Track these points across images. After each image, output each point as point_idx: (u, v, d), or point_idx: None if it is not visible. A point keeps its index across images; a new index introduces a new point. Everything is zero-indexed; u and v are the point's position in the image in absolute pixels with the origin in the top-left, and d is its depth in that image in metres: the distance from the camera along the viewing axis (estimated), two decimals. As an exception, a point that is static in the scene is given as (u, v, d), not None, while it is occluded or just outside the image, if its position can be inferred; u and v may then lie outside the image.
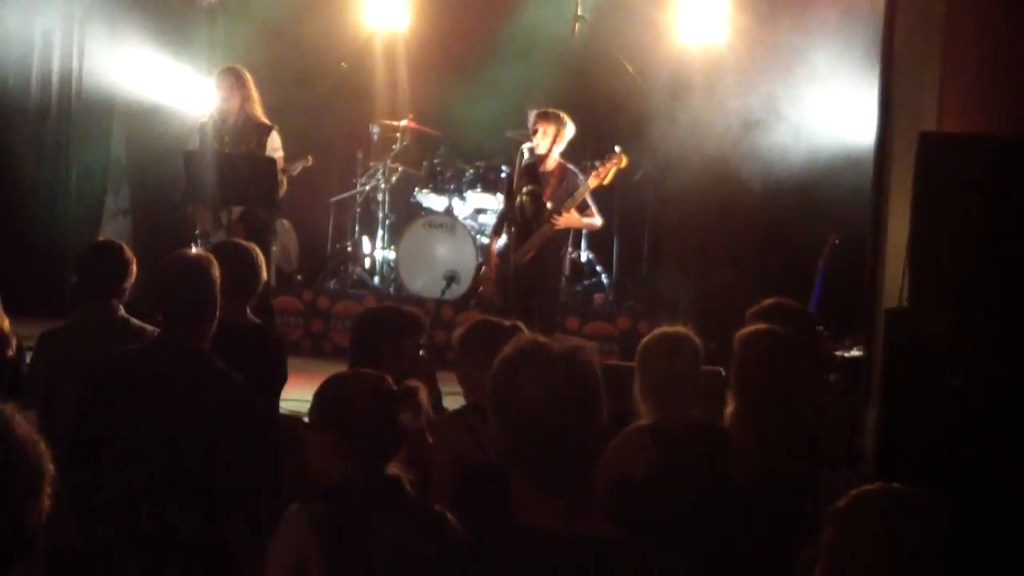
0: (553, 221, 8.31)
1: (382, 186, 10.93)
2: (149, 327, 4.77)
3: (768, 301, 5.29)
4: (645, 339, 4.66)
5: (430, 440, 4.56)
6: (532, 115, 8.90)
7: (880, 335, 6.36)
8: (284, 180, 8.34)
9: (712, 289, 9.69)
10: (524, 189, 8.39)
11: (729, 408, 4.76)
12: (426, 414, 4.58)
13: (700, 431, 4.51)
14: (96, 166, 10.84)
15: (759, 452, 4.57)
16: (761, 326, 4.93)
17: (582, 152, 9.87)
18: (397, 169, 11.03)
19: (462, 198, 10.76)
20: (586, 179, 8.49)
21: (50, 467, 1.99)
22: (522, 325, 4.66)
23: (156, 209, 10.60)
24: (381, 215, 10.93)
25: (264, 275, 5.30)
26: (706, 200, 10.37)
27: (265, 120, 8.38)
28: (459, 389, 4.74)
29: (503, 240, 8.75)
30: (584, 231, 9.71)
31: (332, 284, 10.91)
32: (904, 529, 2.63)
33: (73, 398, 4.35)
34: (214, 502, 3.95)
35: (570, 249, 9.08)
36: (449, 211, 10.69)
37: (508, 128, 10.74)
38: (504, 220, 8.79)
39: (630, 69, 10.60)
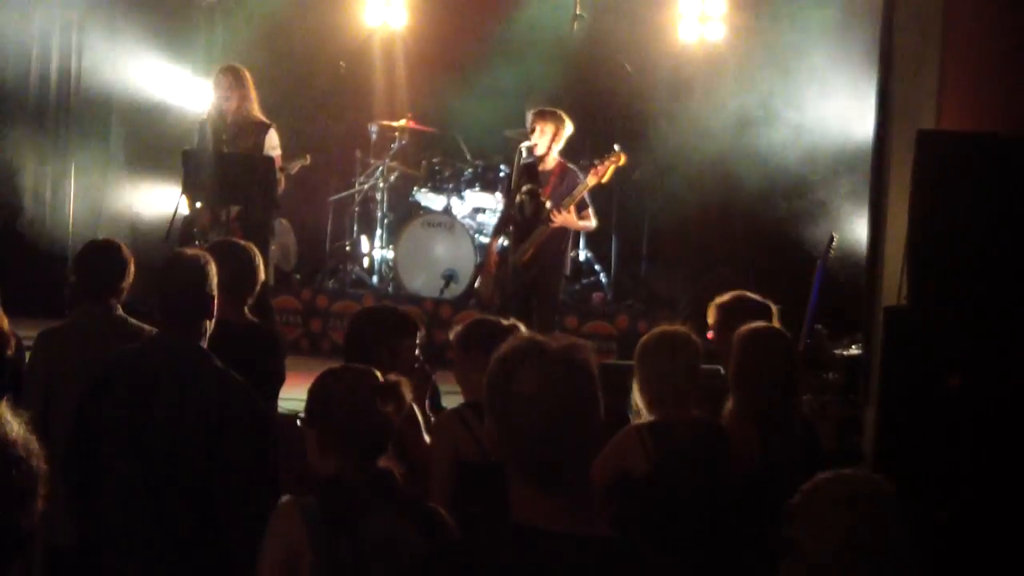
0: (551, 219, 8.31)
1: (381, 185, 10.93)
2: (147, 326, 4.76)
3: (731, 294, 5.31)
4: (644, 338, 4.66)
5: (427, 439, 4.56)
6: (530, 114, 8.89)
7: (879, 334, 6.36)
8: (282, 179, 8.34)
9: (711, 288, 9.68)
10: (523, 188, 8.38)
11: (728, 406, 4.77)
12: (410, 409, 4.59)
13: (700, 430, 4.51)
14: (95, 166, 10.83)
15: (758, 450, 4.58)
16: (761, 325, 4.94)
17: (581, 151, 9.87)
18: (395, 168, 11.03)
19: (460, 197, 10.76)
20: (585, 178, 8.49)
21: (44, 466, 1.99)
22: (520, 324, 4.65)
23: (155, 209, 10.59)
24: (380, 214, 10.93)
25: (262, 274, 5.29)
26: (705, 199, 10.39)
27: (263, 119, 8.38)
28: (459, 389, 4.74)
29: (503, 240, 8.74)
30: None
31: (330, 283, 10.91)
32: (862, 514, 2.64)
33: (72, 397, 4.35)
34: (213, 501, 3.95)
35: (569, 248, 9.07)
36: (448, 210, 10.69)
37: (507, 127, 10.74)
38: (505, 220, 8.79)
39: (629, 68, 10.60)
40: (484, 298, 8.85)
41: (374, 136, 11.13)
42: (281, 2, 11.04)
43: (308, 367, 8.87)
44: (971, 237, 5.69)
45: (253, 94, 8.36)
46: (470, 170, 10.83)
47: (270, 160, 8.17)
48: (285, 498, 3.35)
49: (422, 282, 10.35)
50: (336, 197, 11.31)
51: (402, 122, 10.93)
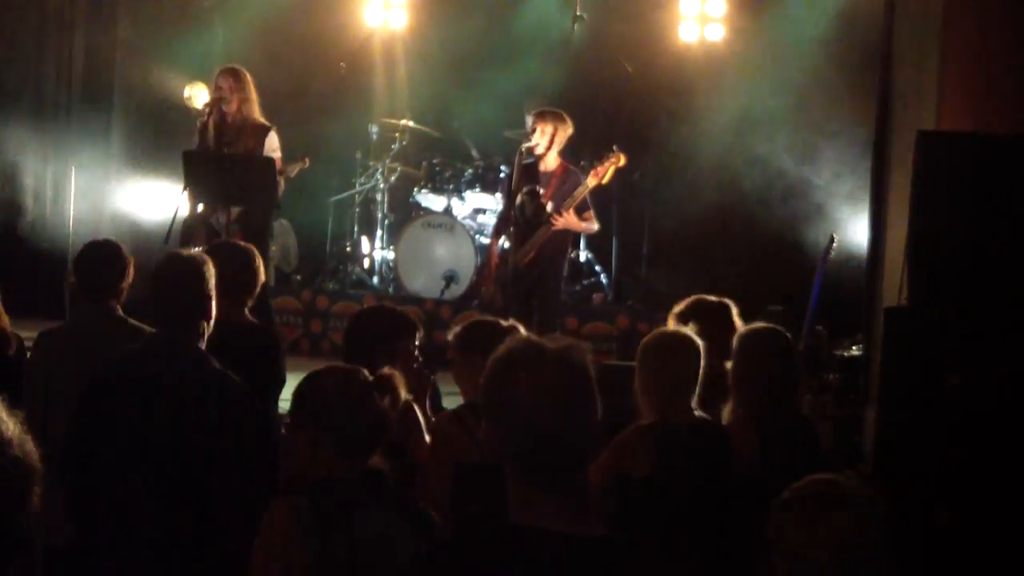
0: (553, 221, 8.30)
1: (381, 186, 10.93)
2: (147, 327, 4.76)
3: (687, 300, 5.30)
4: (646, 339, 4.66)
5: (428, 439, 4.55)
6: (531, 115, 8.89)
7: (879, 334, 6.36)
8: (281, 182, 8.33)
9: (711, 289, 9.68)
10: (524, 189, 8.38)
11: (728, 406, 4.77)
12: (410, 410, 4.59)
13: (701, 430, 4.51)
14: (95, 166, 10.83)
15: (758, 451, 4.58)
16: (760, 324, 4.94)
17: (581, 152, 9.87)
18: (396, 169, 11.03)
19: (461, 198, 10.76)
20: (585, 179, 8.48)
21: (40, 466, 1.99)
22: (519, 325, 4.65)
23: (155, 209, 10.59)
24: (380, 215, 10.93)
25: (262, 276, 5.30)
26: (705, 200, 10.39)
27: (264, 121, 8.38)
28: (459, 389, 4.74)
29: (503, 240, 8.74)
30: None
31: (331, 284, 10.91)
32: (841, 516, 2.66)
33: (71, 397, 4.35)
34: (211, 502, 3.95)
35: (569, 249, 9.07)
36: (448, 211, 10.69)
37: (507, 128, 10.74)
38: (505, 220, 8.78)
39: (629, 69, 10.60)
40: (486, 299, 8.84)
41: (374, 137, 11.13)
42: (281, 3, 11.04)
43: (308, 368, 8.92)
44: (971, 237, 5.69)
45: (254, 95, 8.36)
46: (470, 171, 10.83)
47: (270, 161, 8.17)
48: (278, 499, 3.34)
49: (422, 283, 10.35)
50: (336, 198, 11.32)
51: (402, 123, 10.93)
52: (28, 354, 5.24)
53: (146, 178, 10.88)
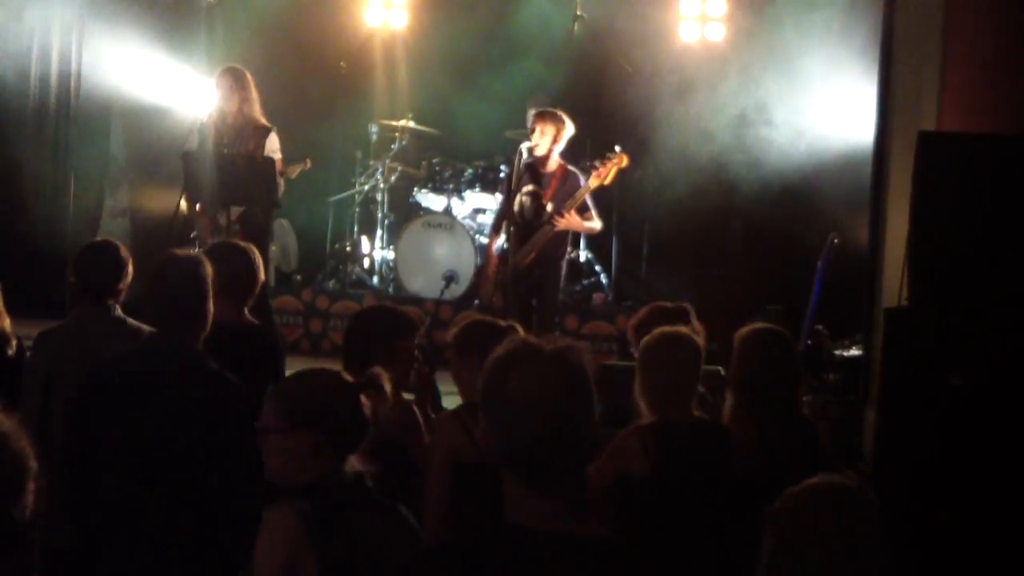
0: (554, 222, 8.29)
1: (381, 186, 10.93)
2: (146, 327, 4.76)
3: (644, 309, 5.28)
4: (646, 339, 4.65)
5: (427, 439, 4.55)
6: (531, 115, 8.88)
7: (879, 335, 6.37)
8: (281, 183, 8.33)
9: (711, 289, 9.70)
10: (524, 189, 8.37)
11: (728, 406, 4.77)
12: (410, 410, 4.58)
13: (701, 430, 4.51)
14: (95, 166, 10.83)
15: (758, 451, 4.58)
16: (760, 324, 4.94)
17: (582, 152, 9.87)
18: (396, 169, 11.02)
19: (461, 198, 10.76)
20: (587, 180, 8.46)
21: (34, 463, 1.99)
22: (517, 326, 4.64)
23: (155, 209, 10.60)
24: (380, 215, 10.93)
25: (262, 276, 5.29)
26: (706, 200, 10.38)
27: (264, 121, 8.37)
28: (457, 389, 4.74)
29: (502, 240, 8.73)
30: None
31: (331, 284, 10.91)
32: (841, 516, 2.67)
33: (71, 397, 4.35)
34: (209, 503, 3.95)
35: (569, 249, 9.06)
36: (448, 211, 10.68)
37: (507, 128, 10.74)
38: (502, 219, 8.77)
39: (629, 69, 10.60)
40: (485, 299, 8.84)
41: (374, 137, 11.12)
42: (281, 3, 11.04)
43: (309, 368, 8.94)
44: (971, 238, 5.70)
45: (254, 95, 8.35)
46: (470, 171, 10.83)
47: (271, 161, 8.17)
48: (276, 504, 3.31)
49: (422, 283, 10.34)
50: (336, 198, 11.31)
51: (402, 123, 10.93)
52: (28, 354, 5.24)
53: (146, 178, 10.88)
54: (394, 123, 10.96)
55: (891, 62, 7.46)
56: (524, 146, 8.36)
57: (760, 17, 10.16)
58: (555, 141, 8.32)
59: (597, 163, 8.51)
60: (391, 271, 10.68)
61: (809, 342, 8.15)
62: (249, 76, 8.36)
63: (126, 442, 4.03)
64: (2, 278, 5.39)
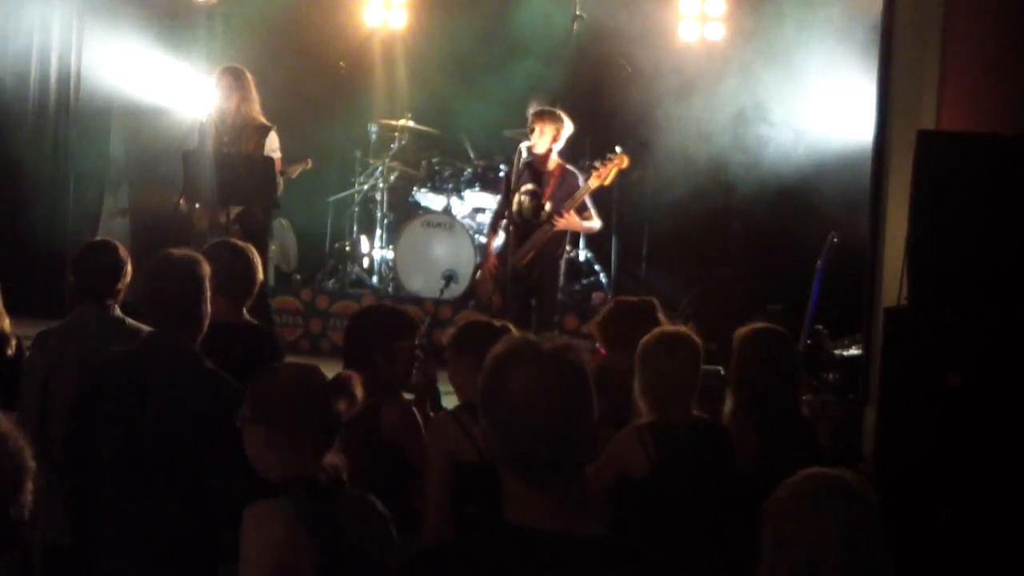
0: (554, 222, 8.29)
1: (380, 185, 10.93)
2: (145, 327, 4.76)
3: (607, 306, 5.23)
4: (645, 338, 4.65)
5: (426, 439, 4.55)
6: (530, 114, 8.88)
7: (879, 334, 6.36)
8: (281, 183, 8.33)
9: (711, 288, 9.69)
10: (523, 188, 8.37)
11: (727, 406, 4.77)
12: (410, 411, 4.57)
13: (700, 430, 4.51)
14: (95, 166, 10.83)
15: (758, 450, 4.58)
16: (760, 324, 4.94)
17: (581, 151, 9.86)
18: (395, 168, 11.03)
19: (460, 197, 10.76)
20: (586, 180, 8.46)
21: (32, 463, 1.99)
22: (511, 326, 4.64)
23: (155, 209, 10.60)
24: (379, 214, 10.93)
25: (260, 275, 5.28)
26: (705, 199, 10.38)
27: (264, 121, 8.36)
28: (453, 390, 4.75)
29: (500, 239, 8.73)
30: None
31: (331, 283, 10.91)
32: (840, 510, 2.66)
33: (70, 397, 4.35)
34: (206, 502, 3.94)
35: (568, 248, 9.05)
36: (447, 210, 10.68)
37: (507, 127, 10.73)
38: (500, 218, 8.77)
39: (628, 68, 10.60)
40: (484, 299, 8.83)
41: (374, 136, 11.12)
42: (281, 2, 11.04)
43: (308, 367, 8.93)
44: (971, 237, 5.70)
45: (254, 95, 8.35)
46: (470, 170, 10.83)
47: (270, 161, 8.17)
48: (265, 502, 3.30)
49: (422, 282, 10.34)
50: (336, 197, 11.31)
51: (402, 122, 10.93)
52: (27, 353, 5.24)
53: (145, 178, 10.88)
54: (393, 123, 10.96)
55: (891, 61, 7.45)
56: (523, 145, 8.36)
57: (760, 16, 10.16)
58: (554, 140, 8.32)
59: (597, 163, 8.50)
60: (390, 271, 10.68)
61: (809, 342, 8.15)
62: (249, 76, 8.36)
63: (123, 442, 4.03)
64: (2, 278, 5.39)
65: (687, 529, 4.30)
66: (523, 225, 8.39)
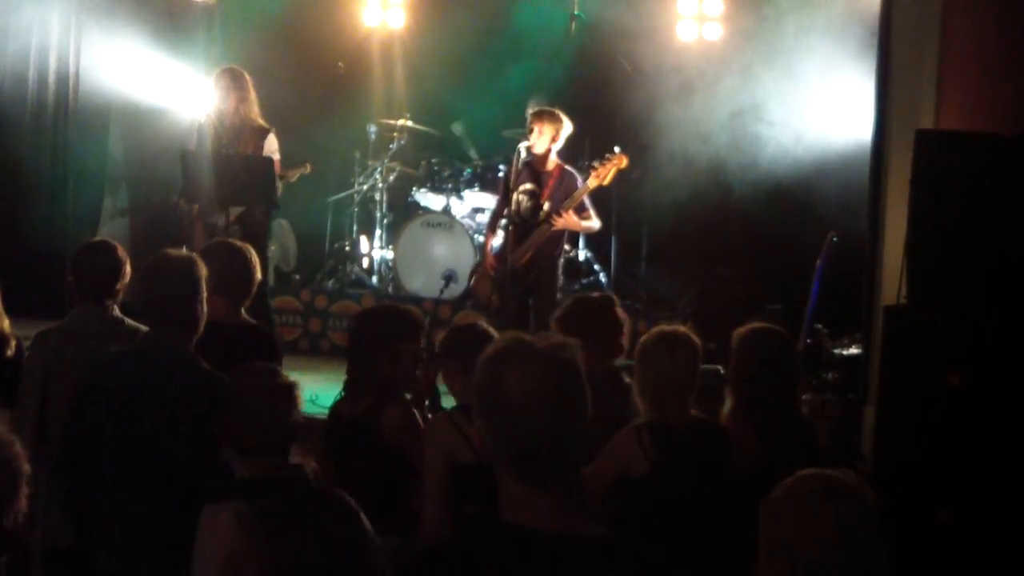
0: (552, 222, 8.28)
1: (380, 185, 10.93)
2: (143, 327, 4.76)
3: (567, 302, 5.20)
4: (644, 338, 4.65)
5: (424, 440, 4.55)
6: (529, 114, 8.87)
7: (878, 333, 6.37)
8: (280, 187, 8.32)
9: (710, 288, 9.69)
10: (521, 188, 8.36)
11: (726, 406, 4.77)
12: (410, 412, 4.56)
13: (699, 430, 4.51)
14: (94, 166, 10.82)
15: (757, 450, 4.58)
16: (759, 324, 4.94)
17: (580, 151, 9.86)
18: (395, 168, 11.02)
19: (460, 197, 10.76)
20: (585, 180, 8.45)
21: (27, 468, 1.99)
22: (491, 329, 4.64)
23: (154, 209, 10.59)
24: (379, 214, 10.93)
25: (259, 275, 5.28)
26: (704, 199, 10.38)
27: (263, 123, 8.36)
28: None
29: (498, 239, 8.73)
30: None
31: (330, 284, 10.90)
32: (838, 509, 2.67)
33: (69, 397, 4.35)
34: (203, 501, 3.94)
35: (567, 248, 9.05)
36: (447, 210, 10.68)
37: (506, 127, 10.73)
38: (498, 218, 8.77)
39: (628, 68, 10.60)
40: (483, 299, 8.83)
41: (373, 136, 11.12)
42: (279, 3, 11.04)
43: (309, 367, 8.94)
44: (970, 237, 5.70)
45: (253, 96, 8.35)
46: (469, 170, 10.84)
47: (269, 161, 8.16)
48: (212, 507, 3.29)
49: (421, 282, 10.34)
50: (335, 197, 11.31)
51: (401, 122, 10.93)
52: (26, 354, 5.24)
53: (144, 178, 10.87)
54: (392, 123, 10.96)
55: (889, 60, 7.45)
56: (522, 145, 8.36)
57: (758, 16, 10.16)
58: (553, 140, 8.31)
59: (595, 163, 8.49)
60: (390, 271, 10.68)
61: (808, 341, 8.15)
62: (247, 77, 8.36)
63: (120, 443, 4.03)
64: (1, 278, 5.39)
65: (686, 528, 4.30)
66: (522, 225, 8.39)
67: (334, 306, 10.35)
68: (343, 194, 11.24)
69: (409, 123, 10.96)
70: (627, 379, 4.85)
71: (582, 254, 10.66)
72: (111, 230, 10.61)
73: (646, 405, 4.51)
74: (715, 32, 10.58)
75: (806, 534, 2.67)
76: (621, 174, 8.68)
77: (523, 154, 8.35)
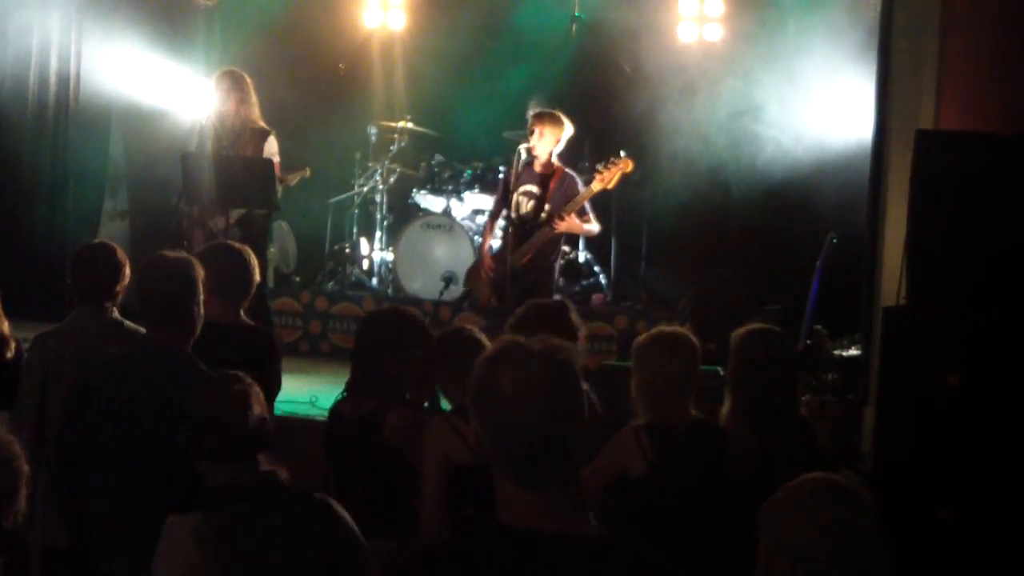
0: (554, 224, 8.26)
1: (380, 187, 10.93)
2: (143, 329, 4.76)
3: (522, 308, 5.17)
4: (642, 338, 4.65)
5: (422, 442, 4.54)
6: (530, 116, 8.87)
7: (878, 334, 6.36)
8: (280, 189, 8.32)
9: (710, 288, 9.69)
10: (521, 189, 8.36)
11: (725, 407, 4.77)
12: (411, 414, 4.56)
13: (698, 430, 4.51)
14: (94, 168, 10.82)
15: (756, 451, 4.58)
16: (757, 325, 4.94)
17: (580, 152, 9.86)
18: (395, 170, 11.03)
19: (460, 199, 10.76)
20: (586, 183, 8.44)
21: (26, 469, 1.99)
22: (480, 333, 4.63)
23: (154, 211, 10.59)
24: (379, 216, 10.93)
25: (258, 277, 5.27)
26: (704, 200, 10.38)
27: (263, 125, 8.36)
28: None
29: (496, 239, 8.72)
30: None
31: (330, 285, 10.90)
32: (838, 510, 2.68)
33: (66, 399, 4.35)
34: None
35: (567, 249, 9.05)
36: (447, 212, 10.68)
37: (506, 129, 10.73)
38: (496, 219, 8.76)
39: (627, 69, 10.60)
40: (482, 300, 8.82)
41: (373, 138, 11.12)
42: (280, 4, 11.04)
43: (309, 369, 8.95)
44: (970, 237, 5.69)
45: (253, 98, 8.34)
46: (469, 172, 10.84)
47: (269, 163, 8.16)
48: (171, 519, 3.28)
49: (421, 284, 10.34)
50: (335, 199, 11.31)
51: (401, 124, 10.93)
52: (26, 356, 5.24)
53: (145, 180, 10.87)
54: (393, 124, 10.97)
55: (889, 61, 7.45)
56: (523, 147, 8.35)
57: (758, 17, 10.17)
58: (554, 142, 8.31)
59: (600, 166, 8.44)
60: (390, 272, 10.68)
61: (808, 342, 8.15)
62: (248, 79, 8.36)
63: (116, 445, 4.03)
64: (1, 280, 5.40)
65: (684, 529, 4.30)
66: (521, 226, 8.38)
67: (334, 308, 10.35)
68: (343, 196, 11.24)
69: (409, 125, 10.96)
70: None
71: (582, 255, 10.66)
72: (111, 232, 10.61)
73: (645, 406, 4.51)
74: (716, 33, 10.58)
75: (806, 535, 2.67)
76: (623, 176, 8.67)
77: (523, 155, 8.34)
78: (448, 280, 10.12)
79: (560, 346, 2.40)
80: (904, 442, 5.65)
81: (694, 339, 4.59)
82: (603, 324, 9.98)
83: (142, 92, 10.57)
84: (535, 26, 10.78)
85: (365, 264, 11.09)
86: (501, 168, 10.43)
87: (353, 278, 10.93)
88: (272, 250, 10.16)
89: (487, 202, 10.55)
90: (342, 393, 4.73)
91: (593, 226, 8.50)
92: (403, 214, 10.99)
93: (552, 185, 8.37)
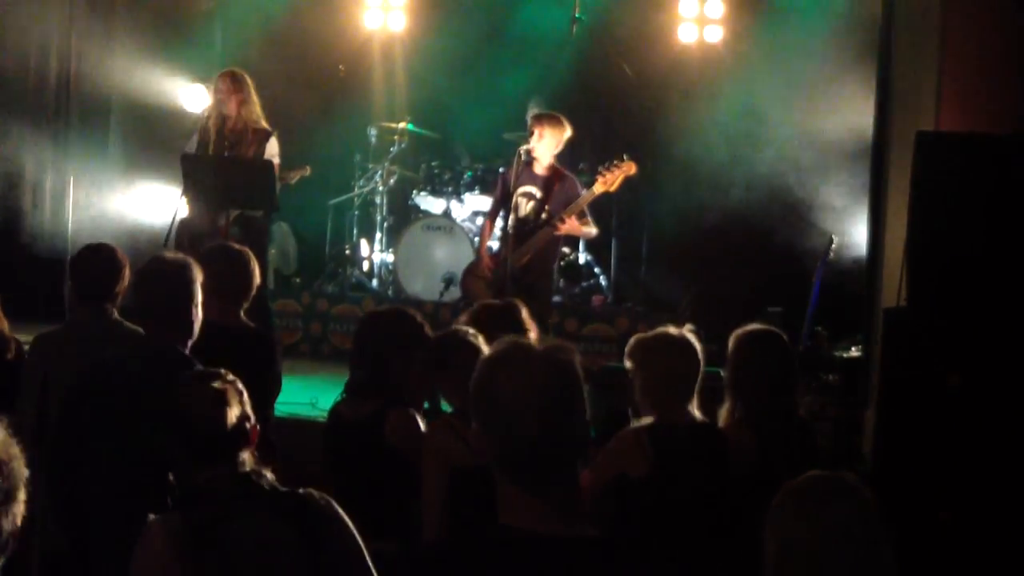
0: (556, 226, 8.25)
1: (380, 188, 10.93)
2: (142, 330, 4.76)
3: (470, 310, 5.15)
4: (643, 339, 4.64)
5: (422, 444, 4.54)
6: (530, 117, 8.86)
7: (879, 335, 6.36)
8: (279, 188, 8.31)
9: (710, 290, 9.69)
10: (521, 190, 8.35)
11: (725, 408, 4.77)
12: (411, 415, 4.55)
13: (699, 432, 4.51)
14: (94, 168, 10.82)
15: (756, 452, 4.58)
16: (756, 326, 4.94)
17: (581, 154, 9.86)
18: (395, 171, 11.03)
19: (460, 200, 10.76)
20: (586, 185, 8.43)
21: (25, 471, 1.98)
22: (476, 334, 4.62)
23: (154, 212, 10.60)
24: (379, 218, 10.93)
25: (257, 278, 5.27)
26: (705, 201, 10.39)
27: (264, 126, 8.35)
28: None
29: (494, 240, 8.71)
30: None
31: (330, 287, 10.91)
32: (841, 508, 2.68)
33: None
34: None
35: (567, 251, 9.04)
36: (447, 213, 10.69)
37: (506, 130, 10.74)
38: (494, 219, 8.76)
39: (628, 71, 10.60)
40: (479, 300, 8.79)
41: (373, 139, 11.12)
42: (280, 5, 11.05)
43: (309, 370, 8.94)
44: (971, 238, 5.69)
45: (254, 99, 8.33)
46: (469, 173, 10.84)
47: (270, 164, 8.15)
48: (149, 520, 3.27)
49: (422, 285, 10.34)
50: (336, 200, 11.32)
51: (401, 125, 10.93)
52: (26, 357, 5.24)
53: (145, 182, 10.88)
54: (393, 126, 10.97)
55: (889, 62, 7.46)
56: (523, 148, 8.34)
57: (758, 18, 10.17)
58: (552, 144, 8.30)
59: (603, 169, 8.41)
60: (390, 274, 10.68)
61: (809, 343, 8.15)
62: (248, 79, 8.35)
63: (113, 446, 4.02)
64: (1, 280, 5.40)
65: (685, 530, 4.30)
66: (520, 227, 8.37)
67: (335, 309, 10.35)
68: (343, 197, 11.25)
69: (410, 126, 10.96)
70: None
71: (583, 257, 10.66)
72: (111, 234, 10.60)
73: (646, 407, 4.50)
74: (716, 35, 10.59)
75: (809, 535, 2.67)
76: (626, 179, 8.65)
77: (523, 157, 8.33)
78: (448, 281, 10.12)
79: (561, 347, 2.40)
80: (905, 443, 5.64)
81: (696, 340, 4.59)
82: (604, 325, 9.99)
83: (143, 92, 10.57)
84: (536, 28, 10.78)
85: (365, 266, 11.09)
86: (501, 170, 10.43)
87: (354, 280, 10.93)
88: (272, 251, 10.16)
89: (487, 204, 10.55)
90: (342, 394, 4.73)
91: (591, 228, 8.50)
92: (403, 215, 11.00)
93: (553, 187, 8.36)
